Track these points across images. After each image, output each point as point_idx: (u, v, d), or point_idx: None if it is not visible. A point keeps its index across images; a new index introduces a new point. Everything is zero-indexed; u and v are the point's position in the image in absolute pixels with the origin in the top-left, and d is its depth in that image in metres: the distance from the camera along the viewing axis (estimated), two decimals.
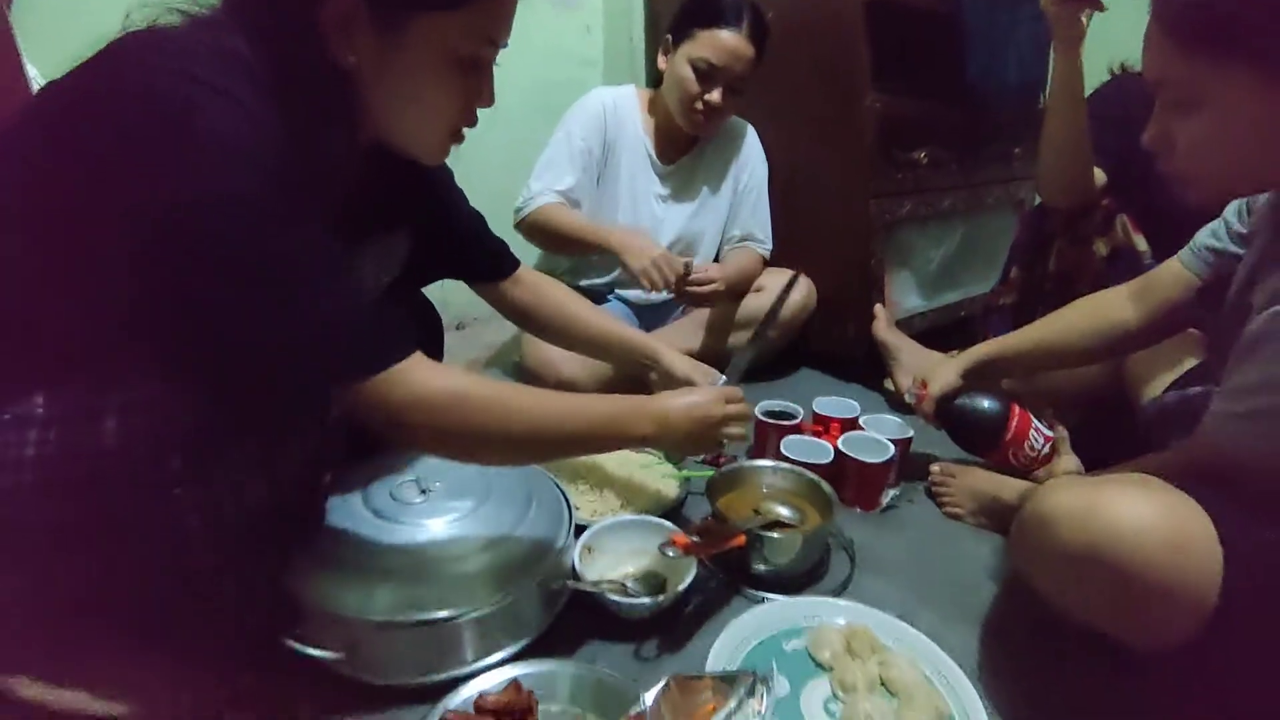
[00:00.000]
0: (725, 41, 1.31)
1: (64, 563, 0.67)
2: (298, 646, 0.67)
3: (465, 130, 0.73)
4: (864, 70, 1.40)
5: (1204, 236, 0.88)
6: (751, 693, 0.55)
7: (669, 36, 1.38)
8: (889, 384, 1.49)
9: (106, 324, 0.58)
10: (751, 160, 1.55)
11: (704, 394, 0.84)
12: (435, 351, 1.04)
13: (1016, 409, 1.08)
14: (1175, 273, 0.91)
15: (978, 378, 1.10)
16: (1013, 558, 0.90)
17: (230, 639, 0.70)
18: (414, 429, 0.65)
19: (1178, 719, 0.71)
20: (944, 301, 1.76)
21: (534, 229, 1.42)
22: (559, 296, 1.04)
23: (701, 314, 1.56)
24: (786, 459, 1.06)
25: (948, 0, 1.55)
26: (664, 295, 1.39)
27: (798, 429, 1.18)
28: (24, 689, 0.69)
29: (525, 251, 1.49)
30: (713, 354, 1.48)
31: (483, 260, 0.99)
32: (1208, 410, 0.71)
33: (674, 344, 1.49)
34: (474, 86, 0.69)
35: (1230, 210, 0.86)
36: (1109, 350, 1.01)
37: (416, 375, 0.64)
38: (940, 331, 1.71)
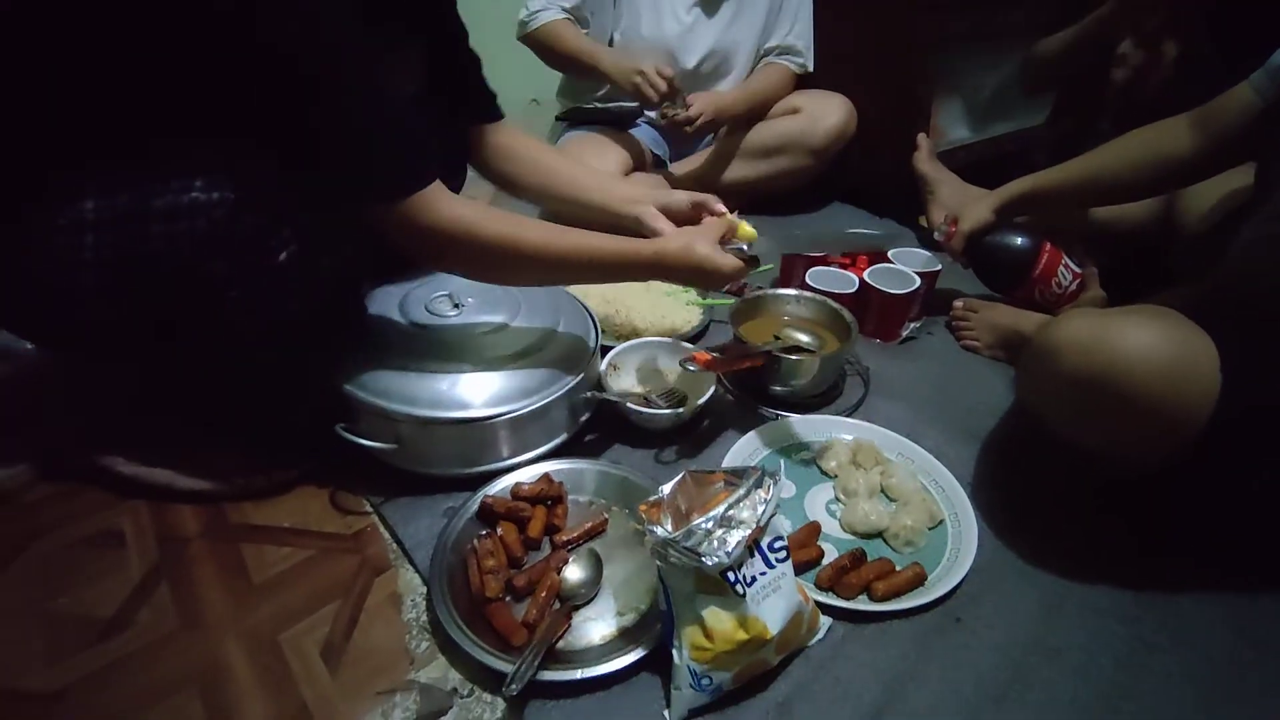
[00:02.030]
0: None
1: (140, 355, 0.73)
2: (352, 438, 0.75)
3: None
4: None
5: (1277, 58, 0.80)
6: (759, 484, 0.61)
7: None
8: (923, 220, 1.45)
9: (159, 112, 0.61)
10: None
11: (700, 244, 0.81)
12: (459, 172, 1.02)
13: (1048, 245, 1.05)
14: (1242, 96, 0.84)
15: (1014, 214, 1.06)
16: (1019, 383, 0.93)
17: (295, 426, 0.78)
18: (433, 253, 0.72)
19: (1142, 535, 0.78)
20: (994, 133, 1.65)
21: (537, 45, 1.35)
22: (537, 152, 0.99)
23: (735, 140, 1.48)
24: (811, 288, 1.07)
25: None
26: (680, 112, 1.32)
27: (824, 260, 1.17)
28: (121, 467, 0.79)
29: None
30: (729, 183, 1.44)
31: (474, 98, 0.95)
32: (1238, 236, 0.69)
33: (704, 174, 1.45)
34: None
35: None
36: (1162, 183, 0.95)
37: (436, 204, 0.69)
38: (986, 165, 1.62)
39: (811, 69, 1.46)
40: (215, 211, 0.61)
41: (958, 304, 1.15)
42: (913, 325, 1.13)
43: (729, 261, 0.80)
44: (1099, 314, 0.70)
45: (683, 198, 0.95)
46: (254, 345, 0.69)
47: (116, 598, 0.69)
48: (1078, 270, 1.05)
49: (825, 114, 1.39)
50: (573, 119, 1.51)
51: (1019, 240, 1.06)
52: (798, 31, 1.43)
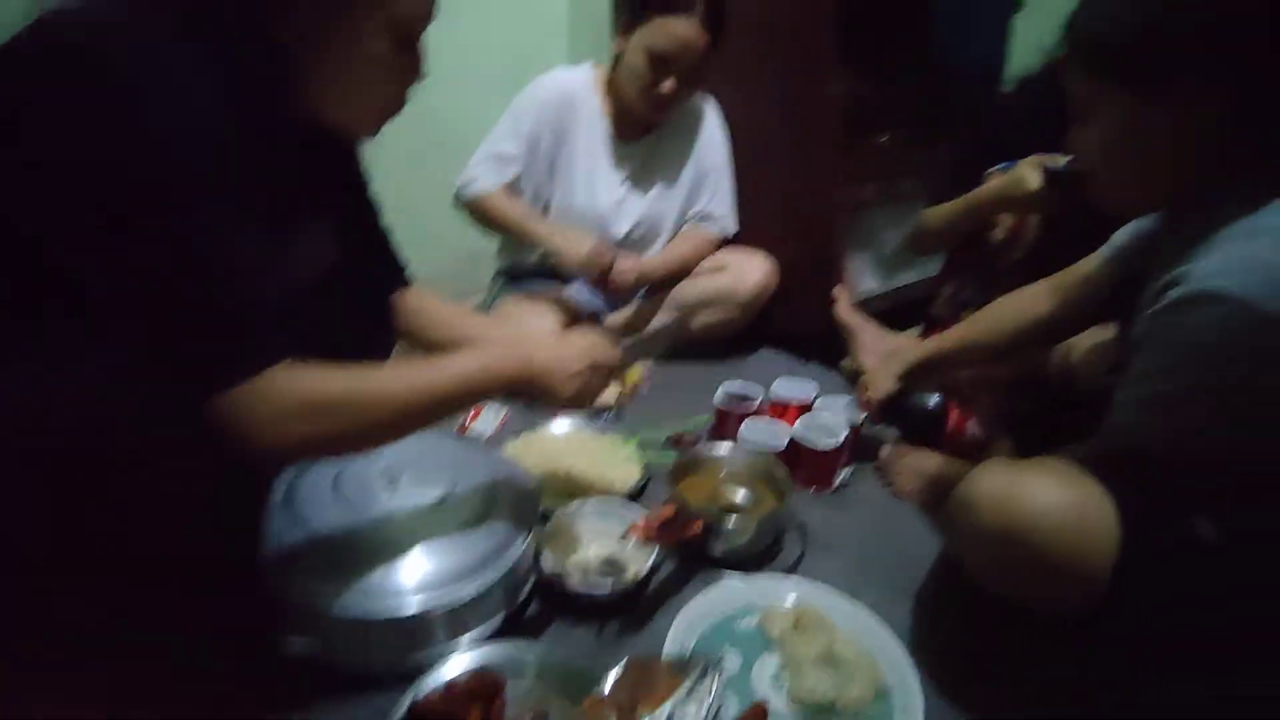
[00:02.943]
0: (677, 30, 1.28)
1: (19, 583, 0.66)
2: (275, 637, 0.70)
3: (413, 100, 0.75)
4: (830, 55, 1.41)
5: (1121, 234, 0.93)
6: (704, 675, 0.60)
7: (623, 16, 1.36)
8: (847, 363, 1.55)
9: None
10: (714, 138, 1.55)
11: (575, 338, 0.82)
12: (384, 345, 1.03)
13: (953, 407, 1.15)
14: (1093, 267, 0.96)
15: (917, 379, 1.16)
16: (944, 536, 0.97)
17: (210, 637, 0.72)
18: (279, 443, 0.63)
19: (1084, 680, 0.79)
20: (901, 283, 1.81)
21: (474, 212, 1.44)
22: (442, 316, 1.01)
23: (665, 295, 1.58)
24: (745, 442, 1.11)
25: None
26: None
27: (757, 412, 1.22)
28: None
29: None
30: (661, 334, 1.51)
31: (386, 272, 0.98)
32: (1113, 399, 0.77)
33: (637, 326, 1.52)
34: (408, 63, 0.71)
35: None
36: (1034, 343, 1.07)
37: (270, 388, 0.61)
38: (898, 311, 1.76)
39: (733, 230, 1.59)
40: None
41: (883, 450, 1.21)
42: (845, 473, 1.17)
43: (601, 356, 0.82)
44: (1010, 470, 0.75)
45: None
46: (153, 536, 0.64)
47: None
48: (986, 423, 1.13)
49: (749, 271, 1.50)
50: (511, 274, 1.58)
51: (924, 406, 1.17)
52: (719, 200, 1.56)
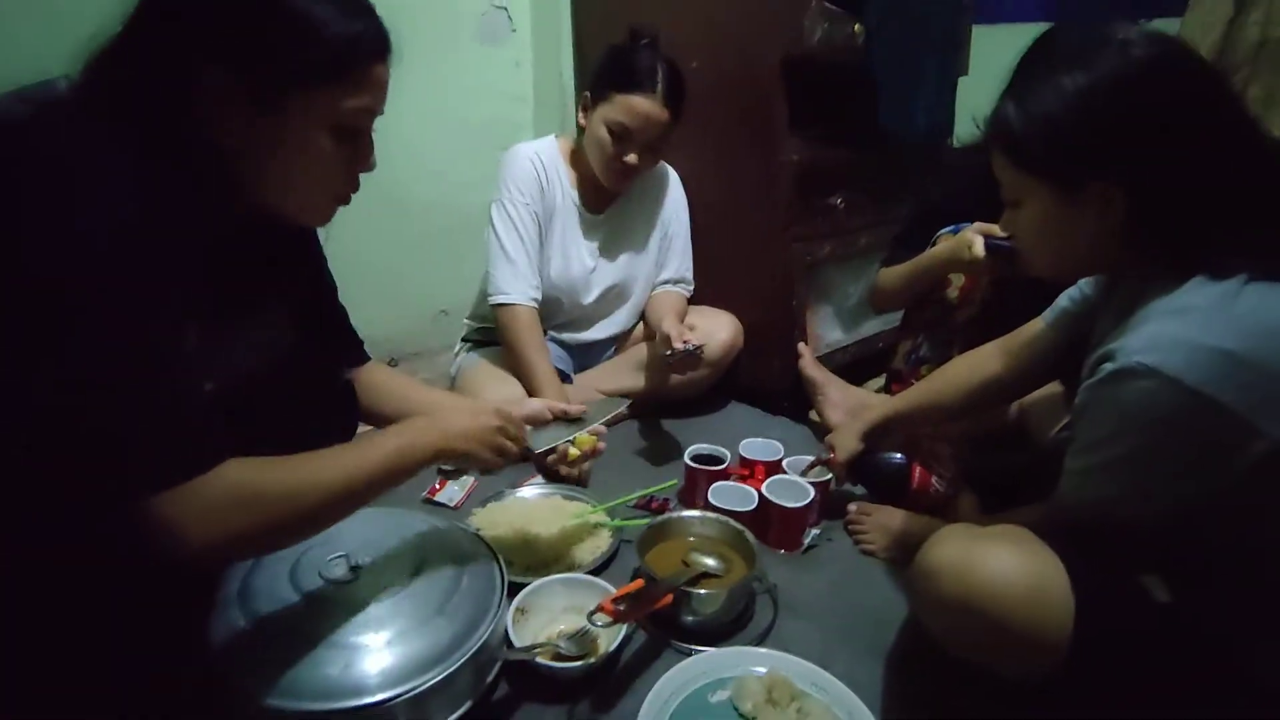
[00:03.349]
0: (640, 106, 1.34)
1: None
2: None
3: (358, 188, 0.76)
4: (782, 123, 1.48)
5: (1064, 299, 0.98)
6: None
7: (587, 94, 1.42)
8: (814, 415, 1.57)
9: None
10: (676, 204, 1.61)
11: (484, 405, 0.87)
12: (342, 433, 1.01)
13: (916, 464, 1.17)
14: (1038, 331, 1.01)
15: (879, 437, 1.19)
16: (909, 601, 0.98)
17: None
18: (209, 541, 0.61)
19: None
20: (864, 334, 1.85)
21: (503, 324, 1.43)
22: (395, 389, 1.02)
23: (633, 353, 1.60)
24: (714, 506, 1.12)
25: (855, 51, 1.64)
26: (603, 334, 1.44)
27: (725, 474, 1.23)
28: None
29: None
30: (631, 391, 1.53)
31: (344, 348, 1.00)
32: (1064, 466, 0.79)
33: (605, 384, 1.54)
34: (354, 153, 0.72)
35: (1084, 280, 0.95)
36: (986, 403, 1.10)
37: (199, 486, 0.60)
38: (861, 363, 1.80)
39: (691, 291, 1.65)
40: None
41: (851, 508, 1.22)
42: (814, 533, 1.18)
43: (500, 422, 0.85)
44: (967, 539, 0.76)
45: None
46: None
47: None
48: (949, 478, 1.16)
49: (716, 330, 1.53)
50: (478, 341, 1.59)
51: (889, 465, 1.20)
52: (685, 263, 1.62)
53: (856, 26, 1.55)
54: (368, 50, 0.67)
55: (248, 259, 0.71)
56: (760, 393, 1.71)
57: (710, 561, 1.00)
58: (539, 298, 1.46)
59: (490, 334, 1.57)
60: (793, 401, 1.63)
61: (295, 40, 0.63)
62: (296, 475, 0.67)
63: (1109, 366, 0.69)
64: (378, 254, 1.65)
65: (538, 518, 1.14)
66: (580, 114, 1.43)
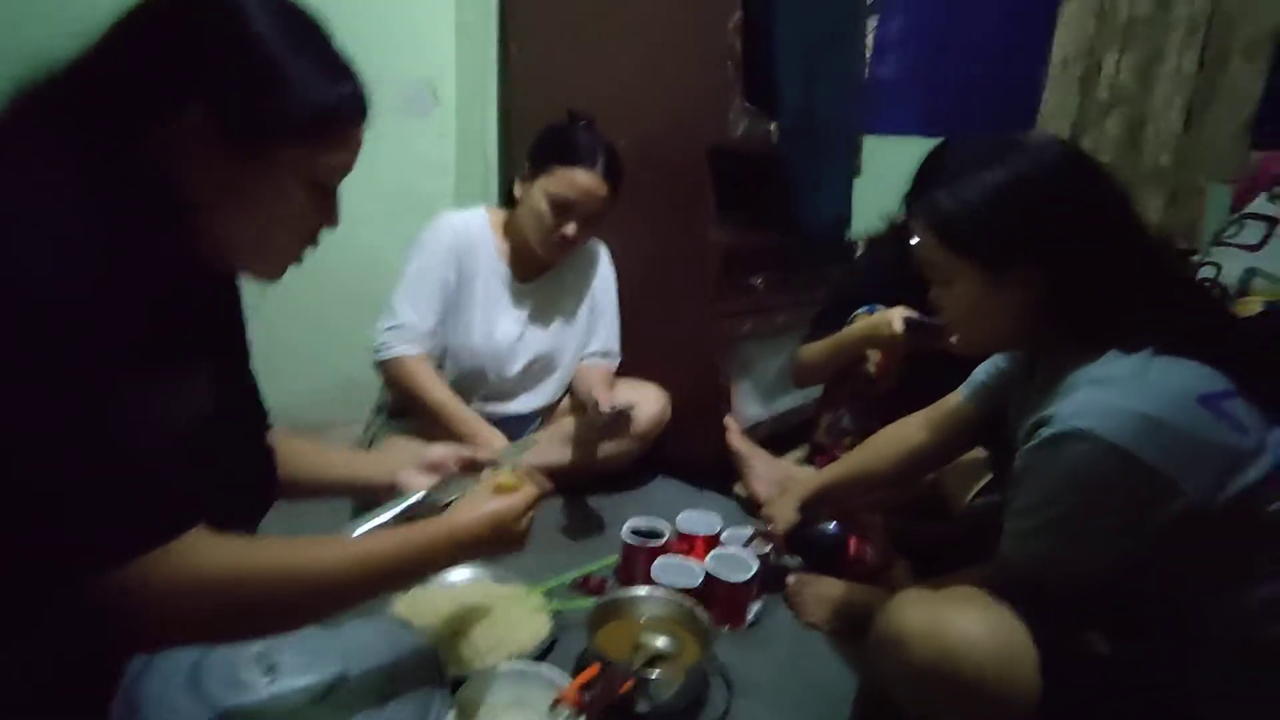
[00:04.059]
0: (582, 181, 1.36)
1: None
2: None
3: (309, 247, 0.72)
4: (710, 207, 1.55)
5: (979, 373, 1.06)
6: None
7: (527, 164, 1.43)
8: (740, 490, 1.58)
9: None
10: (606, 278, 1.62)
11: (484, 499, 0.79)
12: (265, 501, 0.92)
13: (851, 534, 1.21)
14: (959, 402, 1.08)
15: (815, 508, 1.21)
16: (872, 670, 0.97)
17: None
18: (176, 620, 0.55)
19: None
20: (780, 409, 1.91)
21: (392, 378, 1.39)
22: (289, 445, 0.93)
23: (560, 426, 1.57)
24: (656, 583, 1.07)
25: (771, 147, 1.77)
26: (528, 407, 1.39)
27: (664, 549, 1.20)
28: None
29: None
30: (558, 466, 1.47)
31: (258, 414, 0.90)
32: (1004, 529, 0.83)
33: (530, 458, 1.47)
34: (322, 209, 0.70)
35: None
36: (914, 472, 1.16)
37: (184, 557, 0.54)
38: (782, 436, 1.85)
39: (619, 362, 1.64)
40: None
41: (790, 580, 1.22)
42: (756, 607, 1.16)
43: (519, 500, 0.78)
44: (930, 601, 0.77)
45: (443, 450, 0.94)
46: None
47: None
48: (881, 547, 1.19)
49: (646, 403, 1.52)
50: (394, 410, 1.49)
51: (828, 531, 1.23)
52: (612, 336, 1.62)
53: (773, 125, 1.68)
54: (349, 113, 0.66)
55: (181, 310, 0.64)
56: (686, 466, 1.70)
57: (663, 642, 0.95)
58: (429, 347, 1.41)
59: (407, 406, 1.48)
60: (720, 475, 1.63)
61: (283, 96, 0.61)
62: (291, 559, 0.60)
63: (1046, 431, 0.74)
64: (286, 321, 1.54)
65: (469, 605, 1.05)
66: (518, 185, 1.44)
